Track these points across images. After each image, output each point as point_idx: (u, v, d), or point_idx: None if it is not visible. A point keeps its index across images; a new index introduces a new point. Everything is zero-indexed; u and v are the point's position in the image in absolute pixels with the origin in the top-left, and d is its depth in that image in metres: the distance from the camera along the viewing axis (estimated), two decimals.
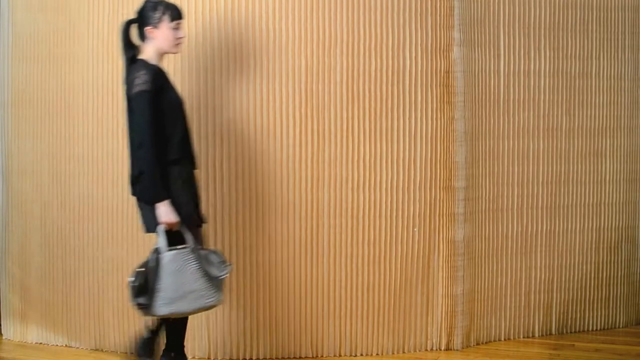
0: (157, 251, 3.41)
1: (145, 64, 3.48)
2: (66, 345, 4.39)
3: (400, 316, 4.20)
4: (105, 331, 4.28)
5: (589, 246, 4.57)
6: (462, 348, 4.27)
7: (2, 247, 4.63)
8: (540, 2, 4.39)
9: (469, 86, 4.23)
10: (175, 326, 3.65)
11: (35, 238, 4.44)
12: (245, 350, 4.11)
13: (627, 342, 4.41)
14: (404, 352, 4.22)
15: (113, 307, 4.25)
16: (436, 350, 4.25)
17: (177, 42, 3.58)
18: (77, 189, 4.29)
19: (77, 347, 4.35)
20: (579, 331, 4.57)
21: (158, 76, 3.46)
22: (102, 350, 4.30)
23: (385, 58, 4.12)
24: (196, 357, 4.16)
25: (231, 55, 4.04)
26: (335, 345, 4.16)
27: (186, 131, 3.55)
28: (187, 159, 3.56)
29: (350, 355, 4.17)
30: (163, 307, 3.37)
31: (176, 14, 3.56)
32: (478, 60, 4.27)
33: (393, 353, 4.21)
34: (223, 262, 3.52)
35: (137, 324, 4.20)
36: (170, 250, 3.40)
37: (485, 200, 4.33)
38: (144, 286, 3.38)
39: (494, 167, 4.35)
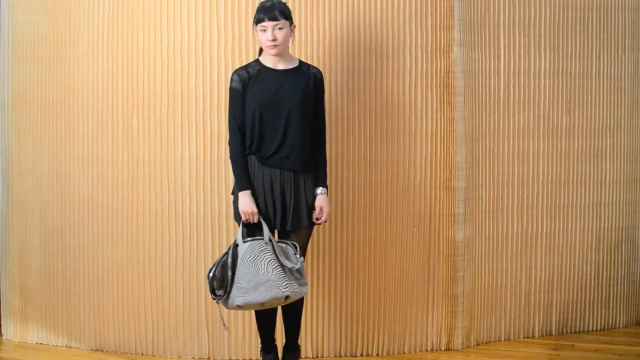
0: (235, 243, 3.53)
1: (250, 62, 3.71)
2: (66, 346, 4.39)
3: (400, 316, 4.20)
4: (106, 331, 4.28)
5: (589, 246, 4.57)
6: (462, 348, 4.26)
7: (2, 247, 4.62)
8: (540, 3, 4.39)
9: (469, 86, 4.22)
10: (258, 323, 3.75)
11: (35, 238, 4.44)
12: (244, 350, 4.11)
13: (627, 342, 4.41)
14: (404, 353, 4.22)
15: (113, 308, 4.25)
16: (436, 350, 4.25)
17: (267, 45, 3.60)
18: (77, 189, 4.29)
19: (77, 348, 4.35)
20: (579, 331, 4.57)
21: (246, 75, 3.63)
22: (102, 351, 4.30)
23: (385, 58, 4.11)
24: (196, 357, 4.16)
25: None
26: (335, 346, 4.16)
27: (259, 130, 3.59)
28: (255, 156, 3.62)
29: (350, 356, 4.17)
30: (238, 297, 3.46)
31: (259, 17, 3.59)
32: (478, 61, 4.27)
33: (393, 353, 4.21)
34: (297, 254, 3.57)
35: (137, 323, 4.21)
36: (246, 241, 3.51)
37: (485, 200, 4.33)
38: (221, 279, 3.51)
39: (494, 168, 4.35)
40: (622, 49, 4.59)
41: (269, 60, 3.67)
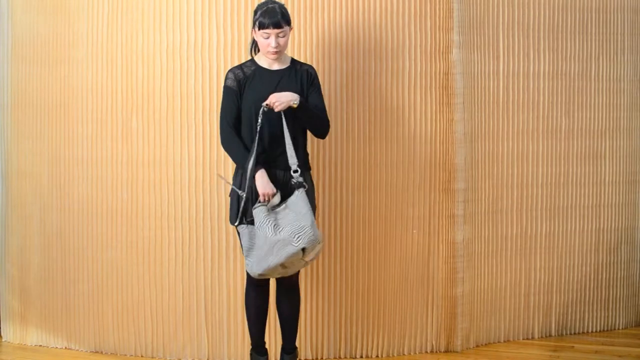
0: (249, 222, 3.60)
1: (245, 62, 3.73)
2: (66, 348, 4.39)
3: (399, 318, 4.20)
4: (105, 333, 4.28)
5: (589, 247, 4.57)
6: (462, 350, 4.26)
7: (2, 248, 4.63)
8: (539, 4, 4.39)
9: (468, 88, 4.23)
10: (249, 324, 3.80)
11: (35, 240, 4.44)
12: (244, 352, 4.11)
13: (627, 343, 4.41)
14: (403, 354, 4.22)
15: (113, 309, 4.25)
16: (436, 352, 4.25)
17: (268, 51, 3.60)
18: (77, 191, 4.29)
19: (77, 350, 4.35)
20: (579, 333, 4.57)
21: (241, 75, 3.65)
22: (102, 353, 4.30)
23: (384, 60, 4.12)
24: (196, 359, 4.16)
25: None
26: (334, 347, 4.16)
27: (253, 130, 3.60)
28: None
29: (350, 357, 4.17)
30: (256, 266, 3.48)
31: (263, 23, 3.57)
32: (477, 62, 4.28)
33: (392, 355, 4.20)
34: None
35: (136, 325, 4.21)
36: (255, 207, 3.54)
37: (485, 201, 4.33)
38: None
39: (493, 169, 4.35)
40: (621, 51, 4.59)
41: (265, 61, 3.68)
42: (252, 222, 3.55)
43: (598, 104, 4.55)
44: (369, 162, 4.12)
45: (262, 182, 3.55)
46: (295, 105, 3.55)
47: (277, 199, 3.57)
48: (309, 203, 3.54)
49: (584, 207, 4.55)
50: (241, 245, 3.60)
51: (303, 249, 3.46)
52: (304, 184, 3.59)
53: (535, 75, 4.40)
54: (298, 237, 3.45)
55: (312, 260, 3.54)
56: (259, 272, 3.49)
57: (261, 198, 3.55)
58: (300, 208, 3.51)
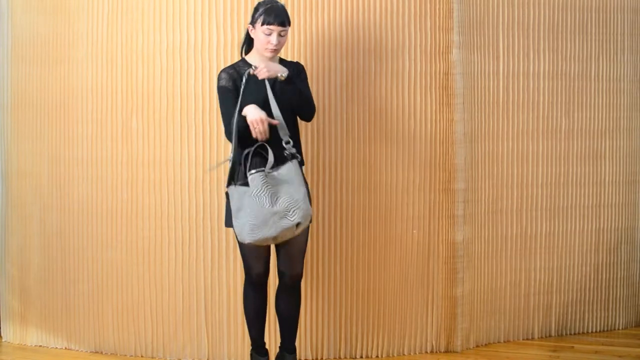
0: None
1: (237, 62, 3.69)
2: (66, 348, 4.39)
3: (399, 318, 4.20)
4: (105, 333, 4.28)
5: (589, 248, 4.57)
6: (462, 350, 4.26)
7: (2, 249, 4.63)
8: (539, 4, 4.39)
9: (468, 88, 4.23)
10: (248, 324, 3.79)
11: (35, 240, 4.44)
12: (244, 353, 4.11)
13: (627, 344, 4.41)
14: (403, 354, 4.22)
15: (113, 310, 4.25)
16: (436, 352, 4.25)
17: (267, 48, 3.58)
18: (77, 191, 4.29)
19: (77, 350, 4.35)
20: (579, 333, 4.58)
21: (235, 74, 3.61)
22: (102, 353, 4.30)
23: (384, 60, 4.12)
24: (196, 359, 4.16)
25: None
26: (334, 347, 4.16)
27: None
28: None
29: (350, 358, 4.17)
30: (248, 235, 3.43)
31: (269, 19, 3.54)
32: (477, 63, 4.28)
33: (392, 355, 4.20)
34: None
35: (136, 326, 4.21)
36: (251, 174, 3.48)
37: (485, 202, 4.33)
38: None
39: (493, 169, 4.35)
40: (621, 51, 4.59)
41: (257, 60, 3.64)
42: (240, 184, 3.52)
43: (598, 104, 4.55)
44: (369, 162, 4.12)
45: (251, 109, 3.46)
46: (283, 78, 3.53)
47: (270, 160, 3.49)
48: (301, 175, 3.53)
49: (584, 207, 4.55)
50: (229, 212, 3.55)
51: (298, 224, 3.46)
52: (297, 155, 3.57)
53: (535, 75, 4.40)
54: (294, 212, 3.44)
55: (300, 232, 3.53)
56: (250, 240, 3.44)
57: (254, 132, 3.45)
58: (293, 180, 3.50)
